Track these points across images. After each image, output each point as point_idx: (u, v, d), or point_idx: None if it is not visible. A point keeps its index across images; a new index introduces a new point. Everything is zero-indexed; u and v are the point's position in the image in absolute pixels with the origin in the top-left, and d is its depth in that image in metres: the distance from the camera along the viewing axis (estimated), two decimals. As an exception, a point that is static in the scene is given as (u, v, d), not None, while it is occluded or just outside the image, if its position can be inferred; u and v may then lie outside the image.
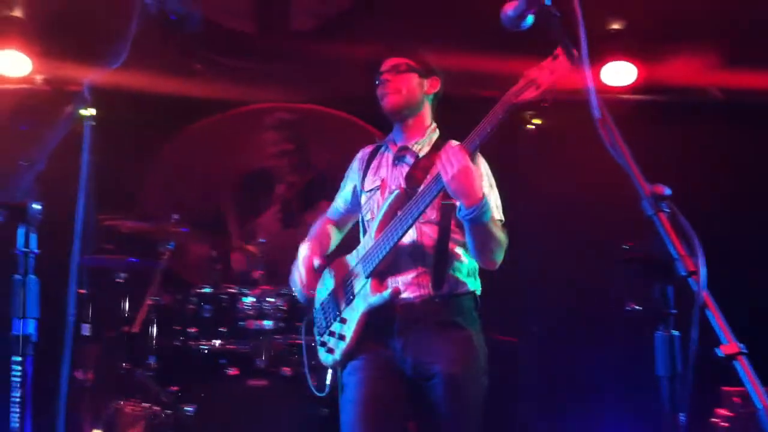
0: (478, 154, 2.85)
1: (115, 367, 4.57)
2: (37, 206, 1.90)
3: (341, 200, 3.32)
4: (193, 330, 4.65)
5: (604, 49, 5.17)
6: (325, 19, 5.13)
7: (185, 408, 4.49)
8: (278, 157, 5.69)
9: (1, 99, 5.34)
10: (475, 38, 4.35)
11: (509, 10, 2.30)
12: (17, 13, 5.06)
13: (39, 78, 5.36)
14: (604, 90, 5.24)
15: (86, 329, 4.49)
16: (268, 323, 4.54)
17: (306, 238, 3.27)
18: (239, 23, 4.97)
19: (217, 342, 4.60)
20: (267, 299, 4.57)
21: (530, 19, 2.26)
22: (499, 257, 2.85)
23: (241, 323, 4.57)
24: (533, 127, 5.62)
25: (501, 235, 2.82)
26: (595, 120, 2.01)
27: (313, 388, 3.17)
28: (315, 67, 5.32)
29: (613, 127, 2.00)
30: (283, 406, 4.36)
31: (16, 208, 1.84)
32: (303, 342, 3.31)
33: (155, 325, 4.64)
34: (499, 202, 2.97)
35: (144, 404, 4.55)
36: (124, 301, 4.73)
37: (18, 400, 1.87)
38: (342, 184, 3.33)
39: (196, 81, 5.13)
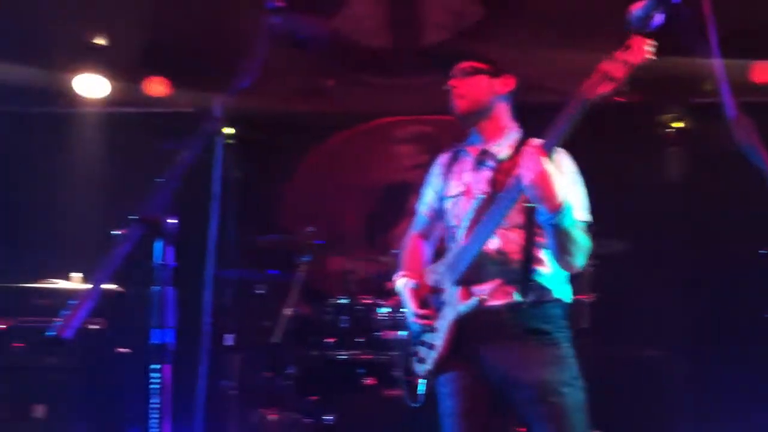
0: (561, 150, 2.76)
1: (257, 376, 4.72)
2: (173, 221, 1.98)
3: (425, 209, 3.22)
4: (330, 340, 4.74)
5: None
6: (457, 31, 5.14)
7: (325, 417, 4.59)
8: (413, 169, 5.73)
9: (145, 121, 5.66)
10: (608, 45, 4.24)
11: (636, 9, 2.24)
12: (154, 37, 5.34)
13: (180, 100, 5.62)
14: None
15: (229, 339, 4.64)
16: (403, 333, 4.57)
17: (399, 267, 3.24)
18: (372, 39, 5.05)
19: (355, 352, 4.67)
20: (402, 309, 4.60)
21: (659, 18, 2.19)
22: (579, 261, 2.73)
23: (377, 333, 4.62)
24: (673, 130, 5.44)
25: (582, 237, 2.70)
26: (730, 119, 1.93)
27: (407, 399, 3.13)
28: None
29: (751, 126, 1.91)
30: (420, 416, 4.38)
31: (154, 223, 1.93)
32: (397, 353, 3.28)
33: (294, 336, 4.76)
34: (585, 201, 2.85)
35: (286, 413, 4.68)
36: (265, 313, 4.88)
37: (156, 406, 1.96)
38: (423, 192, 3.24)
39: (330, 97, 5.24)
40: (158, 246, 1.98)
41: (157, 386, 1.96)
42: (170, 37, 5.12)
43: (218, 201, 2.10)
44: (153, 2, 4.84)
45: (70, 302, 1.73)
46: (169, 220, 1.95)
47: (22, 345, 4.67)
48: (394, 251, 4.98)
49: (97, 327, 4.59)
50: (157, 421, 1.96)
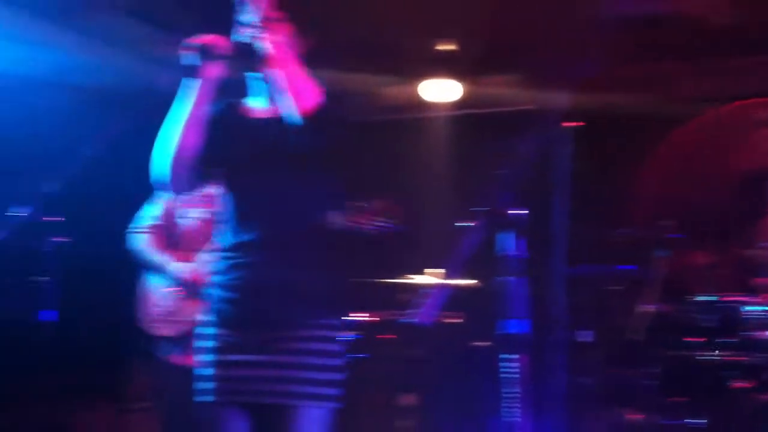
0: None
1: (616, 374, 4.61)
2: (522, 212, 2.00)
3: None
4: (695, 340, 4.49)
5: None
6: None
7: (691, 421, 4.36)
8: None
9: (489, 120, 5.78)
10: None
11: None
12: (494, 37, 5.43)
13: (522, 97, 5.67)
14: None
15: (587, 336, 4.58)
16: (777, 333, 4.19)
17: None
18: (715, 18, 4.69)
19: (721, 353, 4.37)
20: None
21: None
22: None
23: (746, 333, 4.28)
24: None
25: None
26: None
27: None
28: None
29: None
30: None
31: (501, 215, 1.96)
32: None
33: (654, 334, 4.57)
34: None
35: (647, 414, 4.51)
36: (621, 310, 4.74)
37: (511, 396, 1.98)
38: None
39: (674, 83, 4.95)
40: (507, 238, 2.01)
41: (512, 376, 1.99)
42: (510, 36, 5.19)
43: (564, 195, 2.08)
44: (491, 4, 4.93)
45: (426, 293, 1.81)
46: (518, 212, 1.98)
47: (390, 336, 5.01)
48: (761, 244, 4.59)
49: (454, 321, 4.80)
50: (512, 409, 1.99)
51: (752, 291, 4.38)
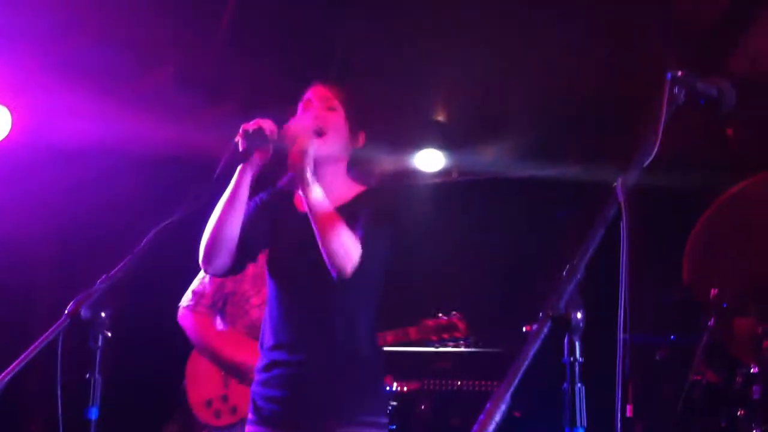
0: None
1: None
2: (578, 315, 1.92)
3: None
4: (740, 413, 4.34)
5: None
6: None
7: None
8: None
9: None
10: None
11: None
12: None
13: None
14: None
15: (628, 410, 4.45)
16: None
17: None
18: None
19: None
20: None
21: None
22: None
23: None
24: None
25: None
26: None
27: None
28: None
29: None
30: None
31: (564, 320, 1.88)
32: None
33: (701, 405, 4.44)
34: None
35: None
36: (667, 380, 4.61)
37: None
38: None
39: (730, 146, 4.86)
40: (567, 341, 1.92)
41: None
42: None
43: (625, 268, 2.01)
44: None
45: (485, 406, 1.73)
46: (578, 315, 1.89)
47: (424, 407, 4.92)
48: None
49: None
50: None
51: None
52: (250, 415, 2.67)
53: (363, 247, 2.48)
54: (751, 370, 4.31)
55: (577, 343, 1.93)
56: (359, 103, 2.74)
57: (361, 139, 2.72)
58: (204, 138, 4.64)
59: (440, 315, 3.46)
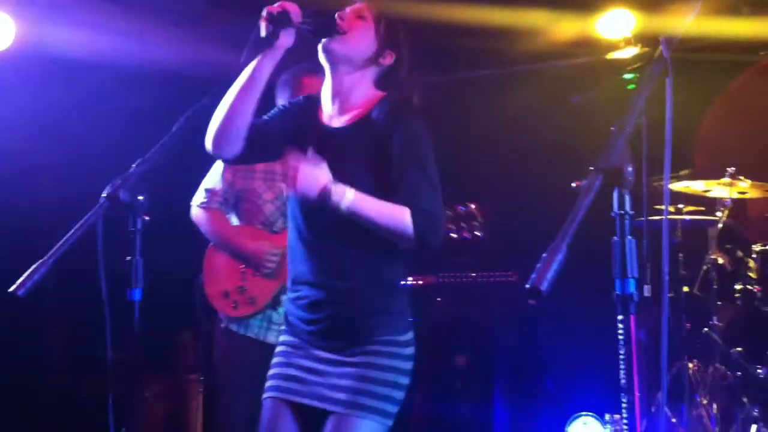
0: None
1: (678, 327, 4.55)
2: (629, 168, 1.93)
3: None
4: (756, 289, 4.42)
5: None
6: None
7: (756, 368, 4.33)
8: None
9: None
10: None
11: None
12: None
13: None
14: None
15: (646, 290, 4.51)
16: None
17: None
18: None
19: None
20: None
21: None
22: None
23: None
24: None
25: None
26: None
27: None
28: None
29: None
30: None
31: (616, 172, 1.89)
32: None
33: (716, 285, 4.51)
34: None
35: (711, 365, 4.47)
36: (682, 262, 4.66)
37: (624, 357, 1.93)
38: None
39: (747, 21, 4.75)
40: (616, 196, 1.93)
41: (623, 337, 1.93)
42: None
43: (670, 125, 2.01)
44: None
45: (542, 256, 1.75)
46: (628, 168, 1.90)
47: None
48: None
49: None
50: (626, 371, 1.93)
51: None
52: (284, 327, 2.73)
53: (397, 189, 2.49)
54: (765, 249, 4.37)
55: (627, 197, 1.95)
56: (390, 21, 2.68)
57: (389, 57, 2.65)
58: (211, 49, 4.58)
59: (458, 206, 3.46)
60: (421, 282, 5.04)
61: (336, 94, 2.65)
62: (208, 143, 2.62)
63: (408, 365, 2.62)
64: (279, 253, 3.54)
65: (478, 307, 5.20)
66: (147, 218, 2.42)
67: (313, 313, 2.61)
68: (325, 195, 2.46)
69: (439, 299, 5.25)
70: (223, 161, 2.92)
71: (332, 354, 2.59)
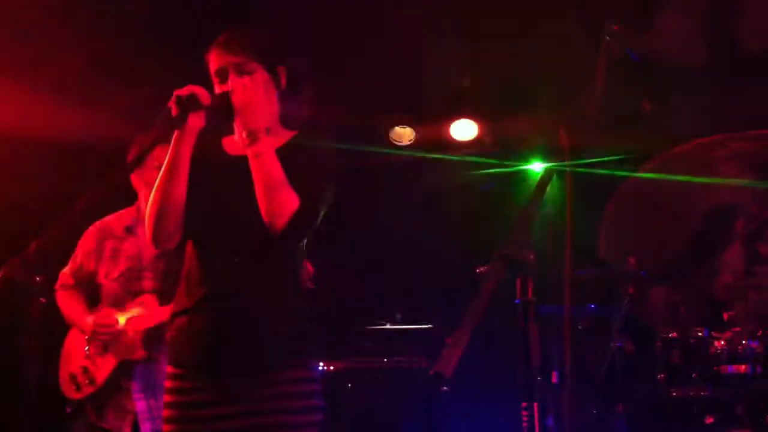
0: None
1: (585, 414, 4.59)
2: (531, 257, 1.96)
3: None
4: (660, 376, 4.50)
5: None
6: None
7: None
8: (736, 189, 5.34)
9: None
10: None
11: None
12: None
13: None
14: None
15: (555, 377, 4.56)
16: (745, 367, 4.23)
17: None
18: (688, 55, 4.79)
19: (689, 388, 4.39)
20: (741, 342, 4.27)
21: None
22: None
23: (715, 368, 4.31)
24: None
25: None
26: None
27: None
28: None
29: None
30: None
31: (517, 260, 1.92)
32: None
33: (621, 372, 4.58)
34: None
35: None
36: (587, 349, 4.74)
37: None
38: None
39: (645, 122, 5.02)
40: (519, 282, 1.96)
41: (529, 424, 1.94)
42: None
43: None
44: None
45: (447, 342, 1.75)
46: (530, 257, 1.93)
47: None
48: (724, 279, 4.66)
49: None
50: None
51: (720, 326, 4.42)
52: (169, 369, 2.59)
53: (299, 203, 2.47)
54: (670, 335, 4.48)
55: (529, 284, 1.98)
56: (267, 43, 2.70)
57: (282, 78, 2.67)
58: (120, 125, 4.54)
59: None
60: (332, 368, 4.98)
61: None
62: (150, 238, 2.59)
63: None
64: (111, 324, 3.53)
65: (386, 392, 5.15)
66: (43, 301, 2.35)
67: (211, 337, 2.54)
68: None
69: (349, 385, 5.19)
70: (167, 248, 2.83)
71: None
